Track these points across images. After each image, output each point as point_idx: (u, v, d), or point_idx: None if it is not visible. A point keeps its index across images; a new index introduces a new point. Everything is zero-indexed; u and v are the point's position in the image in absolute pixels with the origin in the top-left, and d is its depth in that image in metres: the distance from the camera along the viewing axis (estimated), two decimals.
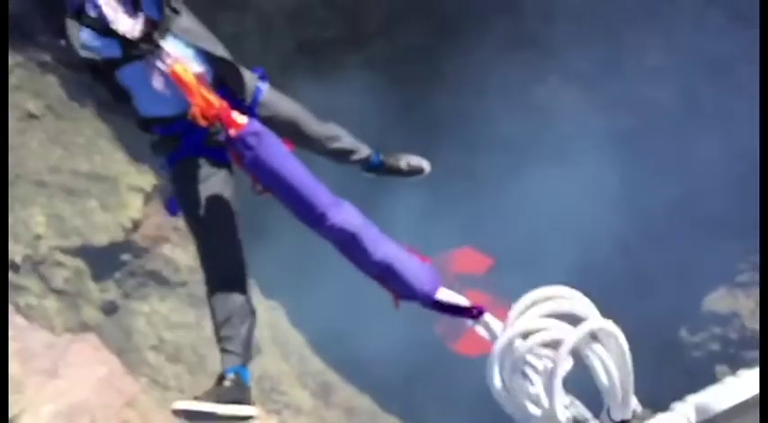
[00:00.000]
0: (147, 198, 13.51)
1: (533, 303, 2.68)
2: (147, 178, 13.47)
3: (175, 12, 2.54)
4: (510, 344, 2.71)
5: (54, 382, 12.20)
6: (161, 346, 13.28)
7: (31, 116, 13.61)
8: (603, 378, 2.43)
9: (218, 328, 3.07)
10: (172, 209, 3.19)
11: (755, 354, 12.37)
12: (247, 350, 3.12)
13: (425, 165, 3.65)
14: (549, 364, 2.54)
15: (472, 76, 13.07)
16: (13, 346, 12.37)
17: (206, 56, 2.69)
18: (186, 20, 2.62)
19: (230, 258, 3.12)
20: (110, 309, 13.43)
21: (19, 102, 13.65)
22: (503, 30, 13.31)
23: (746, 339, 12.29)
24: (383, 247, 2.96)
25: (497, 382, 2.95)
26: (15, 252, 12.87)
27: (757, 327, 12.22)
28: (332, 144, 3.40)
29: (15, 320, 12.75)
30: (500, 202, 13.08)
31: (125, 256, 13.38)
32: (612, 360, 2.47)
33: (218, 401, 2.90)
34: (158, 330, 13.36)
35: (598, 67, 12.87)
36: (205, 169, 2.86)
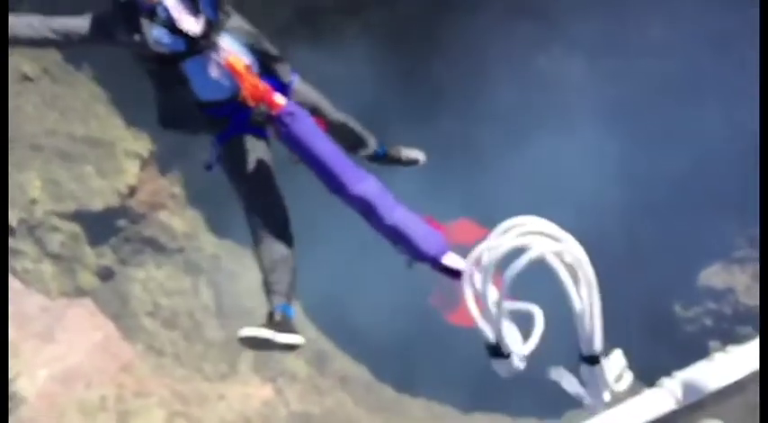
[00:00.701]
0: (144, 164, 13.45)
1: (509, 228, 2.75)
2: (143, 144, 13.40)
3: (227, 14, 3.16)
4: (479, 257, 2.79)
5: (50, 346, 12.26)
6: (157, 312, 13.32)
7: (27, 79, 13.49)
8: (576, 303, 2.50)
9: (265, 273, 3.45)
10: (211, 164, 3.62)
11: (749, 329, 12.43)
12: (291, 292, 3.49)
13: (421, 156, 4.17)
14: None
15: (473, 46, 12.95)
16: (8, 310, 12.43)
17: (252, 49, 3.28)
18: (236, 20, 3.22)
19: (275, 214, 3.50)
20: (106, 274, 13.44)
21: (14, 64, 13.53)
22: (506, 2, 13.19)
23: (741, 315, 12.33)
24: (396, 214, 3.40)
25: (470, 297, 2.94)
26: (11, 216, 12.84)
27: (752, 302, 12.27)
28: (346, 129, 3.92)
29: (11, 284, 12.75)
30: (499, 172, 13.05)
31: (121, 222, 13.36)
32: (585, 286, 2.51)
33: (275, 331, 3.34)
34: (154, 296, 13.39)
35: (601, 39, 12.75)
36: (250, 143, 3.38)
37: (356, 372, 13.64)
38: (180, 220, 13.73)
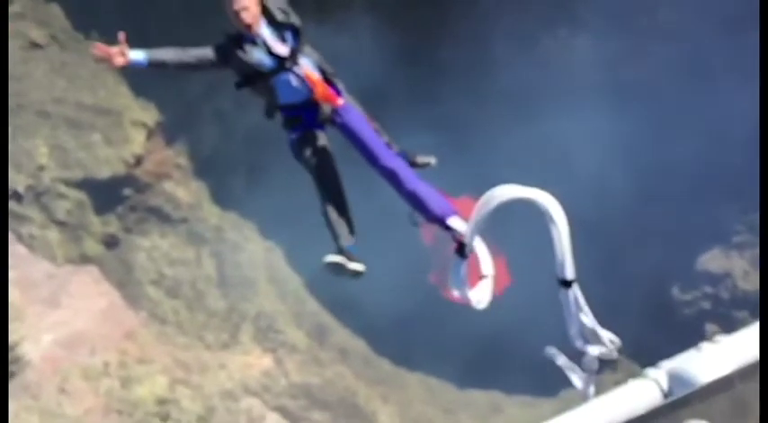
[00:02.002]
0: (150, 134, 13.51)
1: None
2: (150, 114, 13.45)
3: (303, 43, 4.34)
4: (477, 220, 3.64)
5: (54, 312, 12.41)
6: (161, 280, 13.45)
7: (35, 45, 13.50)
8: (556, 241, 3.20)
9: (332, 226, 4.59)
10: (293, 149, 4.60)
11: (746, 314, 12.54)
12: (351, 236, 4.66)
13: (432, 160, 4.92)
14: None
15: (479, 25, 12.92)
16: (13, 275, 12.54)
17: (316, 65, 4.40)
18: (307, 47, 4.39)
19: (337, 185, 4.56)
20: (111, 242, 13.57)
21: (22, 30, 13.53)
22: None
23: (738, 299, 12.42)
24: (414, 183, 4.50)
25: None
26: (18, 182, 12.94)
27: (750, 287, 12.36)
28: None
29: (17, 249, 12.89)
30: (502, 150, 13.10)
31: (127, 191, 13.45)
32: (556, 226, 3.21)
33: (347, 259, 4.58)
34: (158, 265, 13.51)
35: (608, 21, 12.73)
36: (319, 135, 4.47)
37: (355, 345, 13.80)
38: (185, 191, 13.82)
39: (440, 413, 13.41)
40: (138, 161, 13.44)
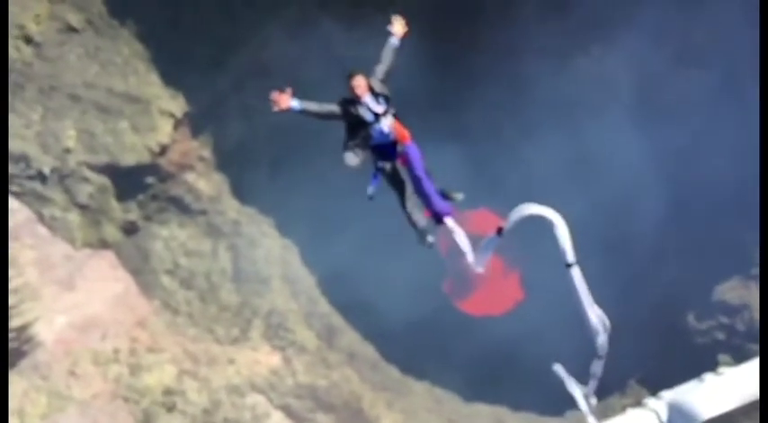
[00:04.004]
0: (177, 124, 13.57)
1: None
2: (178, 104, 13.52)
3: (391, 105, 6.10)
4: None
5: (70, 294, 12.50)
6: (176, 270, 13.51)
7: (72, 29, 13.63)
8: (560, 238, 4.53)
9: (415, 219, 6.36)
10: (373, 185, 6.29)
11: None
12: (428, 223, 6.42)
13: (461, 196, 6.43)
14: None
15: (513, 39, 12.87)
16: (32, 255, 12.65)
17: (394, 115, 6.22)
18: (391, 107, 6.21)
19: (404, 191, 6.38)
20: (130, 229, 13.65)
21: (60, 13, 13.68)
22: None
23: (754, 332, 12.26)
24: (428, 187, 6.20)
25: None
26: (44, 163, 13.05)
27: None
28: None
29: (38, 230, 13.01)
30: (527, 165, 13.05)
31: (150, 179, 13.54)
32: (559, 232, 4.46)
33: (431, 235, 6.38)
34: (175, 255, 13.58)
35: (642, 42, 12.64)
36: (395, 163, 6.26)
37: (364, 350, 13.79)
38: (206, 183, 13.89)
39: None
40: (163, 150, 13.52)
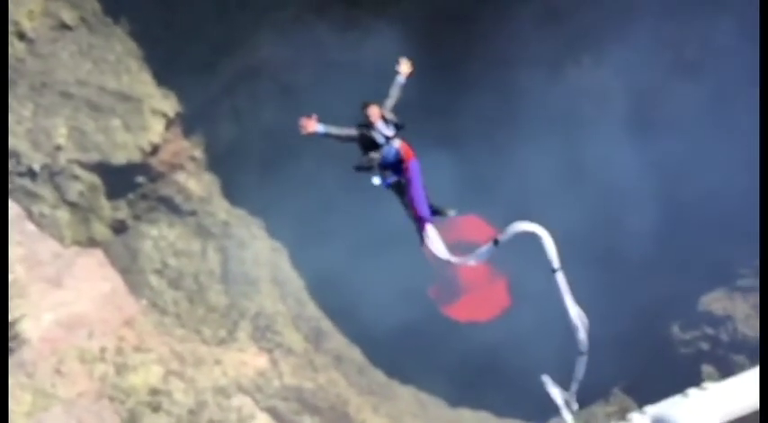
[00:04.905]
0: (169, 123, 13.57)
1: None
2: (170, 103, 13.51)
3: (400, 130, 6.86)
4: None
5: (57, 292, 12.46)
6: (164, 270, 13.50)
7: (65, 26, 13.60)
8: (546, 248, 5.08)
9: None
10: (385, 185, 6.89)
11: (743, 358, 12.49)
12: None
13: (453, 213, 7.02)
14: None
15: (505, 48, 12.94)
16: (20, 252, 12.62)
17: (401, 137, 6.95)
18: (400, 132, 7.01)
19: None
20: (119, 228, 13.62)
21: (53, 10, 13.65)
22: (543, 6, 13.19)
23: (737, 343, 12.36)
24: (419, 195, 6.76)
25: None
26: (34, 160, 13.01)
27: (750, 333, 12.31)
28: None
29: (26, 227, 12.97)
30: (513, 172, 13.11)
31: (140, 178, 13.52)
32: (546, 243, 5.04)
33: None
34: (163, 255, 13.56)
35: (634, 54, 12.74)
36: (400, 178, 6.85)
37: (351, 353, 13.81)
38: (197, 184, 13.88)
39: None
40: (155, 150, 13.51)
